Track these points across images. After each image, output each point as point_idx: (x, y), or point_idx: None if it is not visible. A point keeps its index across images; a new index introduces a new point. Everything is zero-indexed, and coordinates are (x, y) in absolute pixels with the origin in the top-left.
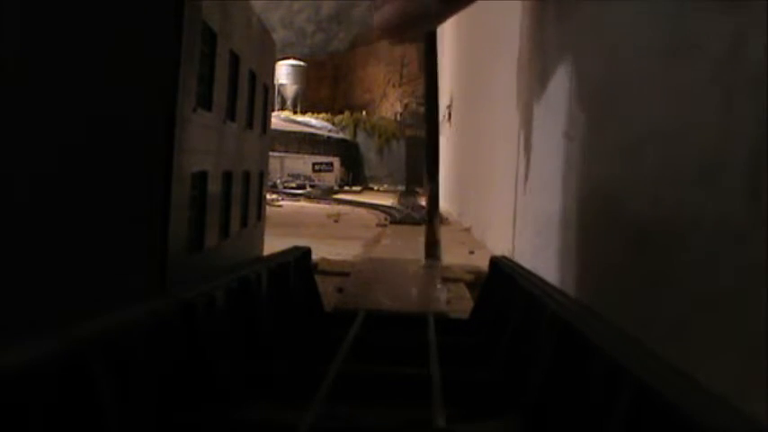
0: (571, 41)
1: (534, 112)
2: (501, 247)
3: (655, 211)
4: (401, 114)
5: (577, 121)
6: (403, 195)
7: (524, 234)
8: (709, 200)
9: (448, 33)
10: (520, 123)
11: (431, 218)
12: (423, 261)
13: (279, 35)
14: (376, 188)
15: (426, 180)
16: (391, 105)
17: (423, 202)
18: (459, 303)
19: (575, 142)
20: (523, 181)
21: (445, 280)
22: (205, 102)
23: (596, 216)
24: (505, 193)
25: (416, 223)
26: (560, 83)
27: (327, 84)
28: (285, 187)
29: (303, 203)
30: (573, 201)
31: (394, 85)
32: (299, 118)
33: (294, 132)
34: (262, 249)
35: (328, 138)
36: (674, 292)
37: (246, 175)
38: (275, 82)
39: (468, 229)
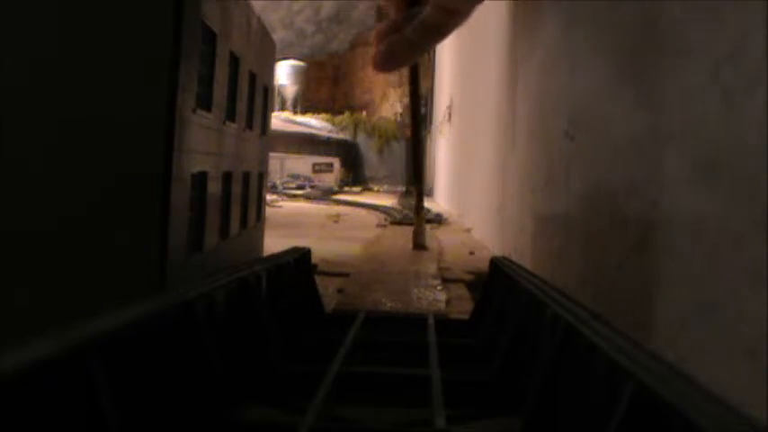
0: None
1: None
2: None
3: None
4: (401, 115)
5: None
6: (403, 196)
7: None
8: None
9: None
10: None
11: (418, 213)
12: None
13: (279, 35)
14: (376, 188)
15: (414, 182)
16: (391, 106)
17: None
18: (460, 304)
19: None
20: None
21: (445, 280)
22: (205, 102)
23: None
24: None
25: None
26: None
27: (327, 84)
28: (285, 188)
29: (303, 204)
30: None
31: (394, 86)
32: (299, 118)
33: (294, 133)
34: (262, 250)
35: (328, 138)
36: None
37: (246, 176)
38: (275, 82)
39: (468, 230)
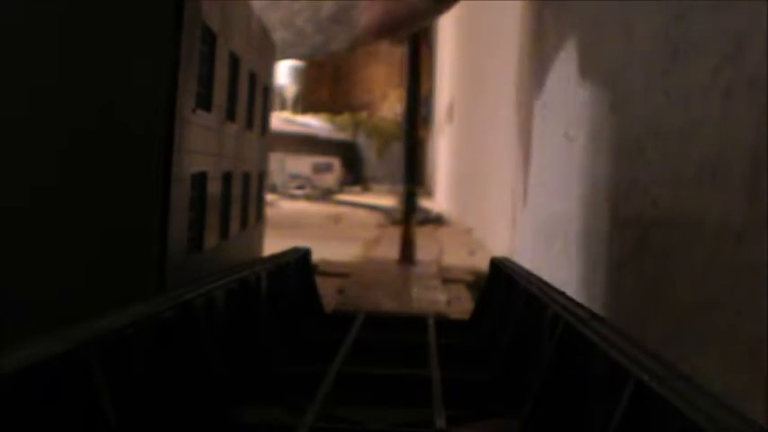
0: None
1: (533, 112)
2: (501, 249)
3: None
4: (401, 115)
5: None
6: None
7: (524, 235)
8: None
9: (448, 34)
10: (517, 124)
11: (407, 218)
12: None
13: (279, 35)
14: (376, 188)
15: (406, 181)
16: (391, 106)
17: (422, 203)
18: (460, 304)
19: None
20: (522, 183)
21: (445, 281)
22: (205, 103)
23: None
24: (506, 194)
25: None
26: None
27: (327, 84)
28: (285, 188)
29: (303, 204)
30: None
31: (394, 86)
32: (299, 119)
33: (294, 133)
34: (262, 250)
35: (328, 139)
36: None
37: (246, 176)
38: (275, 83)
39: (468, 231)
